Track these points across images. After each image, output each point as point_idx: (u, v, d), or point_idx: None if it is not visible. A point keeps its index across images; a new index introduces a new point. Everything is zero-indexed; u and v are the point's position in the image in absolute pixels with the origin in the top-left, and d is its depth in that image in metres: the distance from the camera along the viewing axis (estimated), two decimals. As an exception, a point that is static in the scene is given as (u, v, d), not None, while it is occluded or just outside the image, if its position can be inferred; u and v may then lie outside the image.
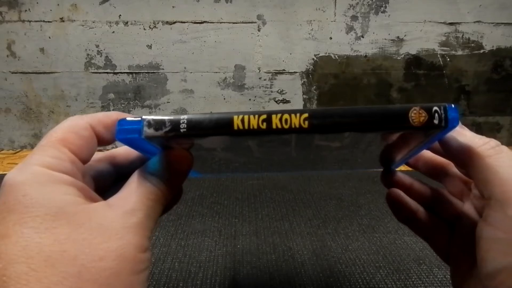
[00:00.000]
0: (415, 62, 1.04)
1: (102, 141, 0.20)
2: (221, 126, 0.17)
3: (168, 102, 1.04)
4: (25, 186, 0.16)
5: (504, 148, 0.20)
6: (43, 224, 0.15)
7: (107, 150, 0.24)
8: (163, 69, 1.02)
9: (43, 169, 0.16)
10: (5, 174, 0.17)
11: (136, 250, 0.17)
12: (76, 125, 0.19)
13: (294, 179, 0.69)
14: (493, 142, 0.20)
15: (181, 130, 0.17)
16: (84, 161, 0.19)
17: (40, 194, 0.16)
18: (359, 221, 0.51)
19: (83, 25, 0.98)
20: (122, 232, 0.17)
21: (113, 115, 0.20)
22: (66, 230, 0.15)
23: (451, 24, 1.02)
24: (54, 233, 0.15)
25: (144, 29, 0.99)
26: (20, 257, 0.14)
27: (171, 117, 0.18)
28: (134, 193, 0.18)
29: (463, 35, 1.03)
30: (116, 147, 0.23)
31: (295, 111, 0.17)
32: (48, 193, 0.16)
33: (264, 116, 0.17)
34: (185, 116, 0.18)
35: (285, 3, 0.99)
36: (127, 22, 0.99)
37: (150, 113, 0.19)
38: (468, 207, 0.25)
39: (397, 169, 0.28)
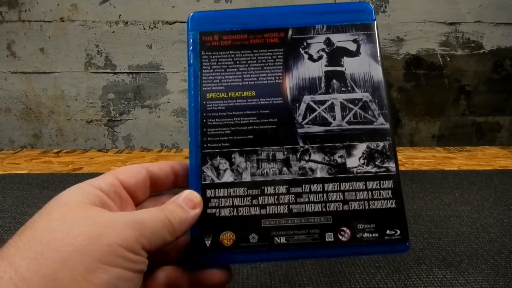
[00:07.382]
0: (415, 62, 1.04)
1: (158, 180, 0.26)
2: None
3: (168, 102, 1.04)
4: (64, 194, 0.21)
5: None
6: (49, 210, 0.20)
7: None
8: (163, 69, 1.02)
9: (87, 185, 0.22)
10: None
11: (117, 242, 0.18)
12: (132, 167, 0.25)
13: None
14: None
15: None
16: (129, 187, 0.24)
17: (66, 197, 0.21)
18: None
19: (83, 25, 0.99)
20: (109, 224, 0.19)
21: (167, 164, 0.26)
22: (60, 215, 0.19)
23: (451, 24, 1.02)
24: (51, 216, 0.19)
25: (144, 29, 0.99)
26: (21, 230, 0.19)
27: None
28: (147, 210, 0.21)
29: (463, 35, 1.03)
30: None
31: None
32: (70, 196, 0.21)
33: None
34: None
35: (285, 3, 0.99)
36: (127, 22, 0.99)
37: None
38: None
39: None
